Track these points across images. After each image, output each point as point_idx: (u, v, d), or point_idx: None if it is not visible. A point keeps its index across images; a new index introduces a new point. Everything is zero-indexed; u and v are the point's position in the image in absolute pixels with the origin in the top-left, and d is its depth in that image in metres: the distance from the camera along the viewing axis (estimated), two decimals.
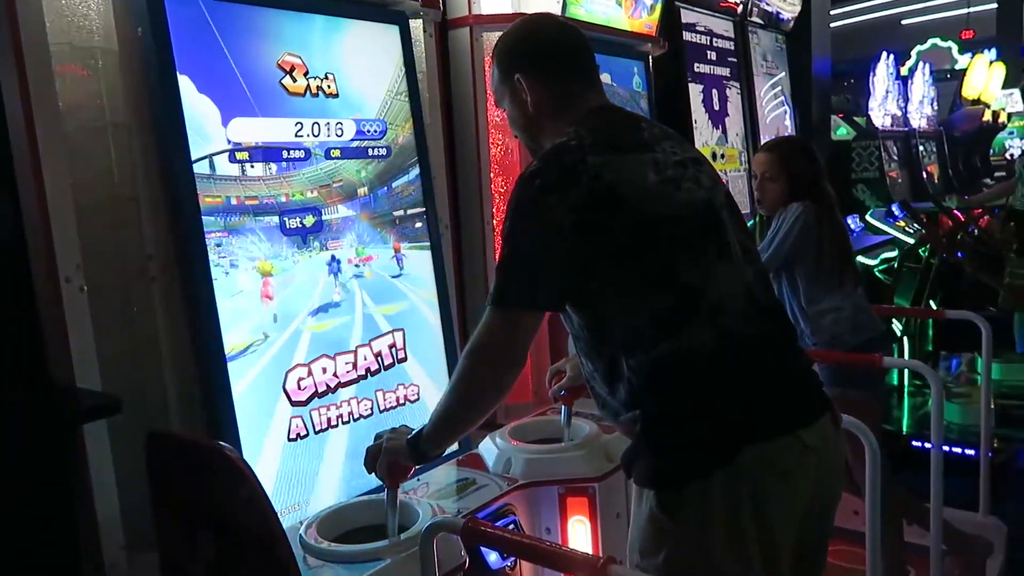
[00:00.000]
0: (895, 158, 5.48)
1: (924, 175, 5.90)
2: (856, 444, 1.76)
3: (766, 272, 1.39)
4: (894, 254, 4.43)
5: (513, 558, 1.71)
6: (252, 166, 1.72)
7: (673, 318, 1.20)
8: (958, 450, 3.28)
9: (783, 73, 4.52)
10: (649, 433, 1.21)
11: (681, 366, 1.19)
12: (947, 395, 3.52)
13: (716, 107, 3.78)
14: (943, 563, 2.20)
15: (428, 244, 2.13)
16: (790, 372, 1.28)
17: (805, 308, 2.42)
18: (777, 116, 4.38)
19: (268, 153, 1.75)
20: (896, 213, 4.89)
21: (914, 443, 3.49)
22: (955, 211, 5.00)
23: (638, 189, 1.23)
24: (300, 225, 1.80)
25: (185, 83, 1.61)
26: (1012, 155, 9.02)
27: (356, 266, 1.94)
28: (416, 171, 2.12)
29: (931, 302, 4.41)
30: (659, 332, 1.20)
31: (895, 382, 4.20)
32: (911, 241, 4.53)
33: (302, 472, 1.74)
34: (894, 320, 4.27)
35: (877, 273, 4.35)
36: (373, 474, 1.45)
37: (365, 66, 2.01)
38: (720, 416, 1.18)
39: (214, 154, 1.65)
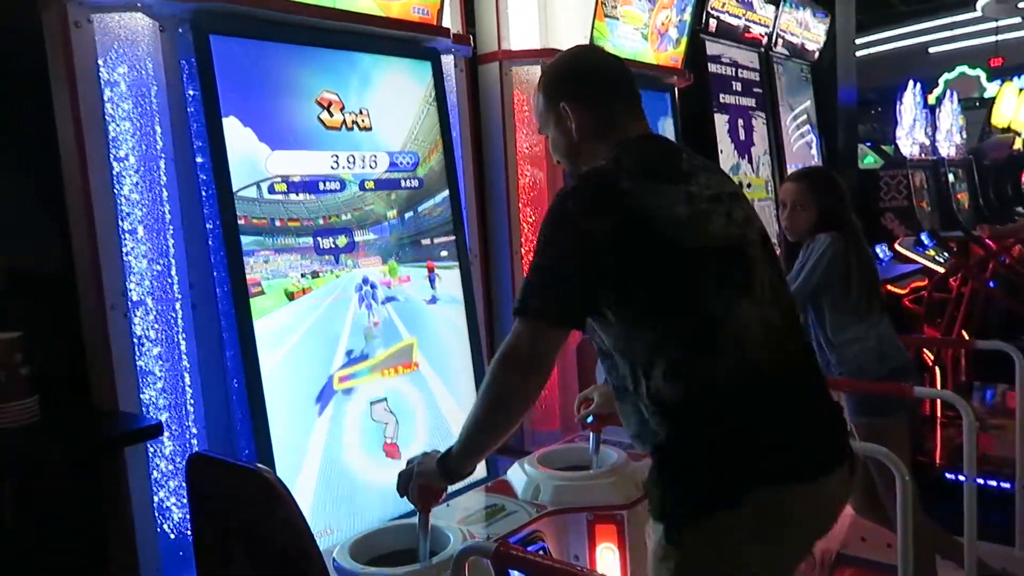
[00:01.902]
0: (924, 187, 5.45)
1: (954, 204, 5.85)
2: (886, 474, 1.75)
3: (795, 311, 1.37)
4: (924, 283, 4.39)
5: None
6: (296, 194, 1.80)
7: (692, 347, 1.21)
8: (993, 483, 3.22)
9: (809, 102, 4.53)
10: (662, 467, 1.23)
11: (697, 402, 1.20)
12: (982, 426, 3.46)
13: (742, 137, 3.81)
14: None
15: (457, 266, 2.17)
16: (807, 418, 1.27)
17: (831, 338, 2.41)
18: (803, 145, 4.39)
19: (306, 184, 1.82)
20: (926, 242, 4.85)
21: (947, 475, 3.43)
22: (986, 240, 4.95)
23: (668, 218, 1.24)
24: (333, 245, 1.86)
25: (229, 119, 1.68)
26: None
27: (388, 287, 1.99)
28: (445, 199, 2.17)
29: (963, 332, 4.35)
30: (677, 363, 1.21)
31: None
32: (941, 270, 4.48)
33: (336, 496, 1.77)
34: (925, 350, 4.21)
35: (908, 303, 4.31)
36: (405, 497, 1.48)
37: (398, 100, 2.07)
38: (732, 455, 1.19)
39: (250, 185, 1.71)
